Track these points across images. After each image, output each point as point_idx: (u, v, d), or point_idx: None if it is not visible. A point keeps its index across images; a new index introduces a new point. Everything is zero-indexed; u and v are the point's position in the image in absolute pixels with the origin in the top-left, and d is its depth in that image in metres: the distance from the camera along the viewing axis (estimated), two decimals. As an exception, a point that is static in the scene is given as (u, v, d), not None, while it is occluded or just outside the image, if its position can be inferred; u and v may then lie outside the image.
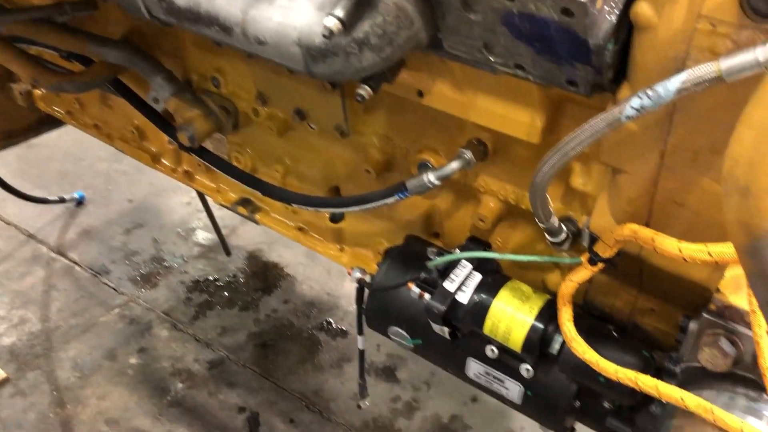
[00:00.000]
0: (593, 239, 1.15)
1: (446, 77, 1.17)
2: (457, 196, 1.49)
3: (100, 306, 2.96)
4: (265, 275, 3.14)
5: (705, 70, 0.76)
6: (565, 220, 1.26)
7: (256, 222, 1.92)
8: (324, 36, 0.94)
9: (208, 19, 1.07)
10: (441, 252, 1.40)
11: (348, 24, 0.94)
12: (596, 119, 0.88)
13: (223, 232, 3.28)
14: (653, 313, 1.28)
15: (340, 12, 0.93)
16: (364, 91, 1.07)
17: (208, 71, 1.69)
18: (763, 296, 0.58)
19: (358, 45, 0.97)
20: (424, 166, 1.40)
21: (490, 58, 1.01)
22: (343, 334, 2.82)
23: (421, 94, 1.22)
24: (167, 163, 2.11)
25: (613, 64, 0.91)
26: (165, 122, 1.75)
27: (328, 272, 3.01)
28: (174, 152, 2.07)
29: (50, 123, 2.51)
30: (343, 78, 1.02)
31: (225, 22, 1.05)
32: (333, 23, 0.93)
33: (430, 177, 1.28)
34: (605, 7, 0.85)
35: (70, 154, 3.71)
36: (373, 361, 2.77)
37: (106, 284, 3.08)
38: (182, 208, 3.46)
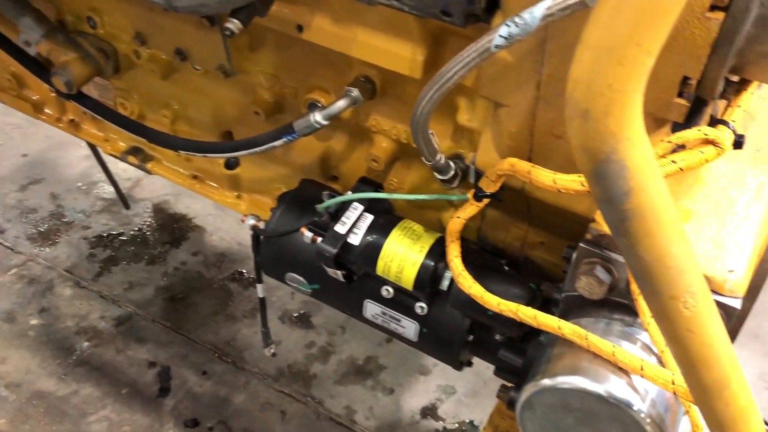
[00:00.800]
0: (479, 175, 1.15)
1: (326, 11, 1.12)
2: (351, 137, 1.46)
3: (-5, 267, 2.81)
4: (172, 228, 3.04)
5: (568, -6, 0.75)
6: (455, 157, 1.25)
7: (148, 171, 1.84)
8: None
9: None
10: (335, 195, 1.37)
11: (207, -49, 0.88)
12: (468, 50, 0.86)
13: (127, 184, 3.16)
14: (543, 246, 1.30)
15: (197, -63, 0.87)
16: (233, 24, 1.01)
17: (83, 11, 1.57)
18: (609, 219, 0.58)
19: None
20: (313, 106, 1.36)
21: (365, -15, 0.97)
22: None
23: (300, 29, 1.16)
24: (50, 113, 1.97)
25: (485, -8, 0.89)
26: (40, 66, 1.63)
27: (238, 222, 2.94)
28: (58, 101, 1.94)
29: None
30: (209, 11, 0.96)
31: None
32: (189, -50, 0.86)
33: (317, 117, 1.24)
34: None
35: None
36: (287, 309, 2.75)
37: (1, 244, 2.92)
38: (83, 161, 3.28)
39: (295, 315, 2.74)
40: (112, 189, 2.81)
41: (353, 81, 1.24)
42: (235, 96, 1.53)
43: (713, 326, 0.66)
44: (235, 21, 1.01)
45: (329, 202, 1.26)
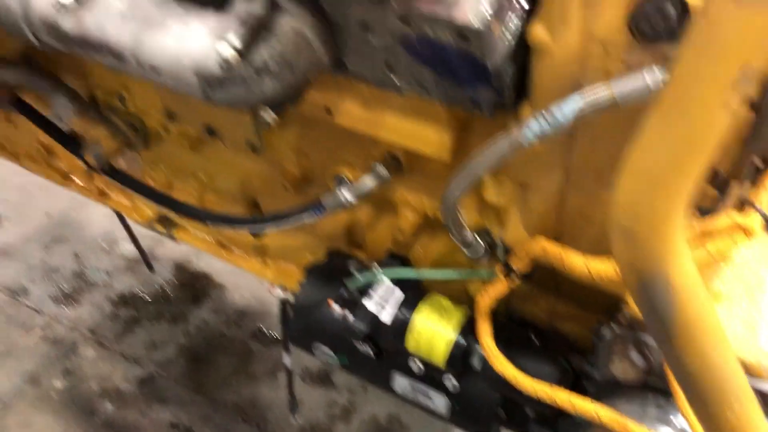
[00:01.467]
0: (507, 252, 1.16)
1: (354, 96, 1.15)
2: (376, 208, 1.48)
3: (19, 328, 2.83)
4: (193, 286, 3.06)
5: (599, 94, 0.77)
6: (482, 232, 1.26)
7: (174, 239, 1.87)
8: (221, 66, 0.91)
9: (98, 46, 1.02)
10: (362, 265, 1.39)
11: (245, 52, 0.91)
12: (501, 142, 0.87)
13: (149, 242, 3.18)
14: (571, 318, 1.30)
15: (235, 40, 0.90)
16: (268, 115, 1.04)
17: (114, 88, 1.62)
18: (654, 331, 0.59)
19: (257, 72, 0.94)
20: (340, 180, 1.38)
21: (394, 79, 0.99)
22: (276, 341, 2.78)
23: (329, 112, 1.19)
24: (79, 182, 2.02)
25: (514, 85, 0.91)
26: (71, 140, 1.67)
27: (259, 279, 2.96)
28: (85, 169, 1.98)
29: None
30: (246, 104, 0.99)
31: (116, 50, 1.00)
32: (229, 53, 0.90)
33: (346, 194, 1.27)
34: (502, 30, 0.85)
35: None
36: (307, 367, 2.74)
37: (25, 305, 2.95)
38: (104, 219, 3.32)
39: (315, 373, 2.73)
40: (133, 247, 2.85)
41: (379, 158, 1.27)
42: (262, 169, 1.56)
43: (758, 426, 0.66)
44: (270, 111, 1.04)
45: (360, 282, 1.27)
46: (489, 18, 0.81)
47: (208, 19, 0.96)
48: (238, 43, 0.90)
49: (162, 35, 0.97)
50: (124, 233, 2.79)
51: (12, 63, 1.59)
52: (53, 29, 1.05)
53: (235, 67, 0.92)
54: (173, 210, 1.59)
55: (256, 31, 0.92)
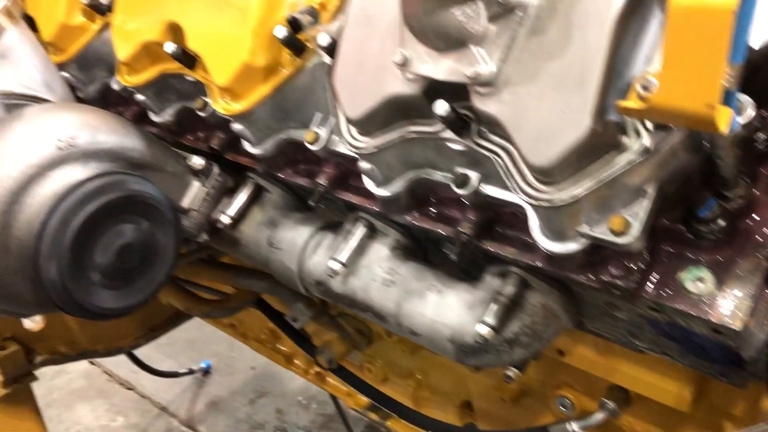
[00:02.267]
0: None
1: (589, 343, 1.21)
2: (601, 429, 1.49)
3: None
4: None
5: None
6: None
7: (387, 429, 1.97)
8: (476, 340, 1.01)
9: (363, 306, 1.17)
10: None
11: (498, 328, 1.01)
12: None
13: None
14: None
15: (491, 319, 1.00)
16: (513, 373, 1.12)
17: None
18: None
19: (508, 344, 1.03)
20: (563, 403, 1.42)
21: (636, 343, 1.04)
22: None
23: (561, 353, 1.26)
24: (299, 364, 2.21)
25: (768, 367, 0.93)
26: (303, 339, 1.86)
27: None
28: (305, 355, 2.18)
29: (187, 315, 2.70)
30: (494, 366, 1.08)
31: (380, 312, 1.15)
32: (485, 330, 1.00)
33: (574, 427, 1.30)
34: (758, 323, 0.88)
35: (196, 321, 3.93)
36: None
37: (233, 459, 3.17)
38: (302, 373, 3.55)
39: None
40: (330, 403, 2.99)
41: (608, 392, 1.30)
42: (480, 376, 1.63)
43: None
44: (515, 370, 1.12)
45: None
46: (746, 318, 0.85)
47: (462, 293, 1.08)
48: (493, 321, 1.00)
49: (421, 305, 1.10)
50: (319, 389, 2.97)
51: (260, 275, 1.82)
52: (323, 288, 1.23)
53: (489, 342, 1.02)
54: (396, 412, 1.69)
55: (509, 309, 1.02)
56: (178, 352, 3.80)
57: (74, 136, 1.16)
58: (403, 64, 0.89)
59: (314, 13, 1.08)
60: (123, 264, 1.14)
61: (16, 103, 1.31)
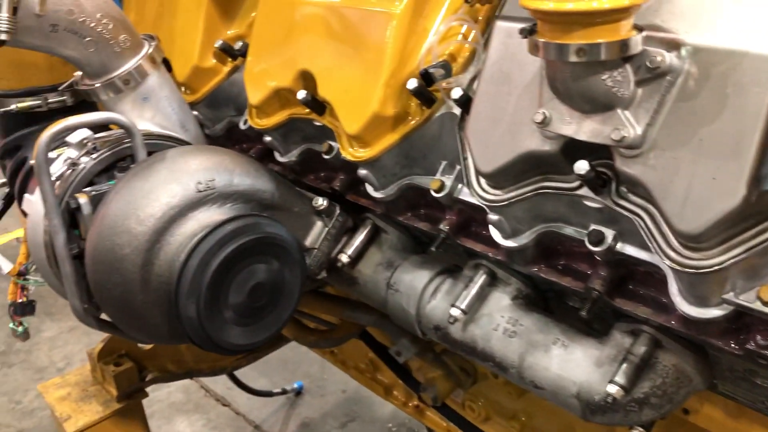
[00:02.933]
0: None
1: (718, 404, 1.16)
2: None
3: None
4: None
5: None
6: None
7: (488, 468, 1.95)
8: (605, 400, 1.00)
9: (483, 356, 1.17)
10: None
11: (629, 388, 0.99)
12: None
13: None
14: None
15: (621, 379, 0.99)
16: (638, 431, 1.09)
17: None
18: None
19: (638, 404, 1.01)
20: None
21: (775, 410, 1.00)
22: None
23: (686, 411, 1.22)
24: (399, 397, 2.22)
25: None
26: (408, 376, 1.88)
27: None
28: (405, 388, 2.19)
29: (287, 339, 2.77)
30: (621, 425, 1.06)
31: (501, 363, 1.15)
32: (615, 390, 0.98)
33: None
34: None
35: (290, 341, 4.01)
36: None
37: (323, 483, 3.21)
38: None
39: None
40: (421, 436, 2.99)
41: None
42: (590, 424, 1.60)
43: None
44: (641, 429, 1.09)
45: None
46: None
47: (589, 349, 1.06)
48: (623, 381, 0.99)
49: (546, 359, 1.09)
50: (408, 417, 2.97)
51: (368, 309, 1.85)
52: (441, 333, 1.24)
53: (618, 402, 1.00)
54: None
55: (640, 369, 1.00)
56: (271, 371, 3.89)
57: (212, 178, 1.22)
58: (544, 123, 0.90)
59: (447, 67, 1.11)
60: (254, 302, 1.19)
61: (155, 142, 1.40)
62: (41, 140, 1.21)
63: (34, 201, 1.36)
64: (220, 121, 1.66)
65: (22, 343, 3.96)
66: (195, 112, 1.63)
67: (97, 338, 3.97)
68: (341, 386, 3.80)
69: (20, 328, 2.11)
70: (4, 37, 1.18)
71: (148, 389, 2.48)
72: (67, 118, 1.25)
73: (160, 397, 3.75)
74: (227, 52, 1.54)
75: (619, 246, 0.96)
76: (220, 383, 3.79)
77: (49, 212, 1.24)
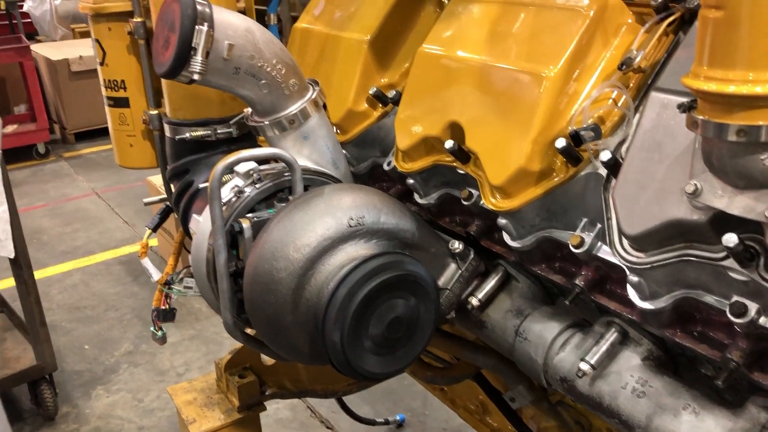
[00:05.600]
0: None
1: None
2: None
3: None
4: None
5: None
6: None
7: None
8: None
9: (609, 412, 1.20)
10: None
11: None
12: None
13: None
14: None
15: (756, 453, 0.99)
16: None
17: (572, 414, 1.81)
18: None
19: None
20: None
21: None
22: None
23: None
24: (506, 441, 2.24)
25: None
26: (520, 424, 1.89)
27: None
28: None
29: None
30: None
31: (627, 421, 1.16)
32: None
33: None
34: None
35: (396, 375, 4.07)
36: None
37: None
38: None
39: None
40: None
41: None
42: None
43: None
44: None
45: None
46: None
47: (721, 419, 1.07)
48: (758, 456, 0.98)
49: (675, 423, 1.10)
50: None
51: (487, 351, 1.90)
52: (567, 385, 1.27)
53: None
54: None
55: (776, 446, 0.99)
56: (375, 400, 3.98)
57: (363, 215, 1.32)
58: (695, 195, 0.93)
59: (597, 131, 1.16)
60: (391, 335, 1.27)
61: (310, 177, 1.52)
62: (217, 169, 1.36)
63: (201, 222, 1.52)
64: (365, 161, 1.78)
65: (146, 346, 4.29)
66: (344, 151, 1.75)
67: (213, 348, 4.23)
68: (442, 423, 3.82)
69: (159, 332, 2.30)
70: (196, 77, 1.35)
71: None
72: (240, 152, 1.39)
73: (268, 411, 3.90)
74: (379, 98, 1.65)
75: (762, 320, 0.97)
76: (326, 406, 3.92)
77: (215, 233, 1.39)
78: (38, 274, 4.42)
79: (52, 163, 7.22)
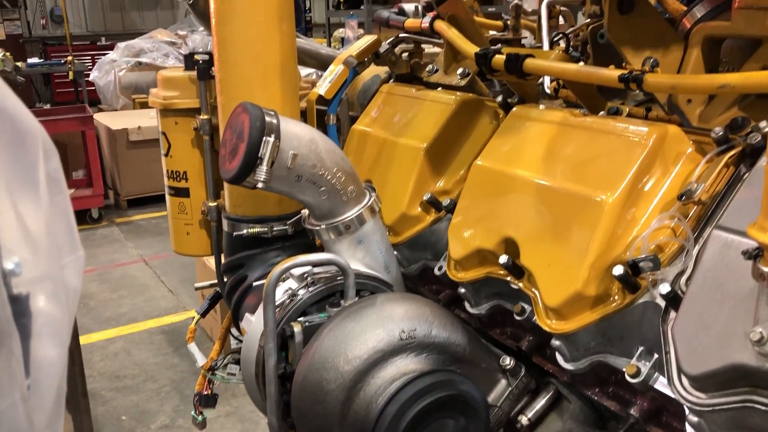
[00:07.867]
0: None
1: None
2: None
3: None
4: None
5: None
6: None
7: None
8: None
9: None
10: None
11: None
12: None
13: None
14: None
15: None
16: None
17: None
18: None
19: None
20: None
21: None
22: None
23: None
24: None
25: None
26: None
27: None
28: None
29: None
30: None
31: None
32: None
33: None
34: None
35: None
36: None
37: None
38: None
39: None
40: None
41: None
42: None
43: None
44: None
45: None
46: None
47: None
48: None
49: None
50: None
51: None
52: None
53: None
54: None
55: None
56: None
57: (414, 328, 1.33)
58: (761, 343, 0.91)
59: (656, 262, 1.15)
60: (438, 454, 1.25)
61: (363, 281, 1.54)
62: (273, 274, 1.39)
63: (253, 322, 1.54)
64: (416, 263, 1.79)
65: (183, 420, 4.27)
66: (395, 252, 1.77)
67: (249, 427, 4.18)
68: None
69: (200, 417, 2.30)
70: (260, 185, 1.40)
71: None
72: (297, 257, 1.42)
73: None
74: (433, 204, 1.68)
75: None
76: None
77: (266, 337, 1.40)
78: (83, 339, 4.49)
79: (104, 228, 7.42)
